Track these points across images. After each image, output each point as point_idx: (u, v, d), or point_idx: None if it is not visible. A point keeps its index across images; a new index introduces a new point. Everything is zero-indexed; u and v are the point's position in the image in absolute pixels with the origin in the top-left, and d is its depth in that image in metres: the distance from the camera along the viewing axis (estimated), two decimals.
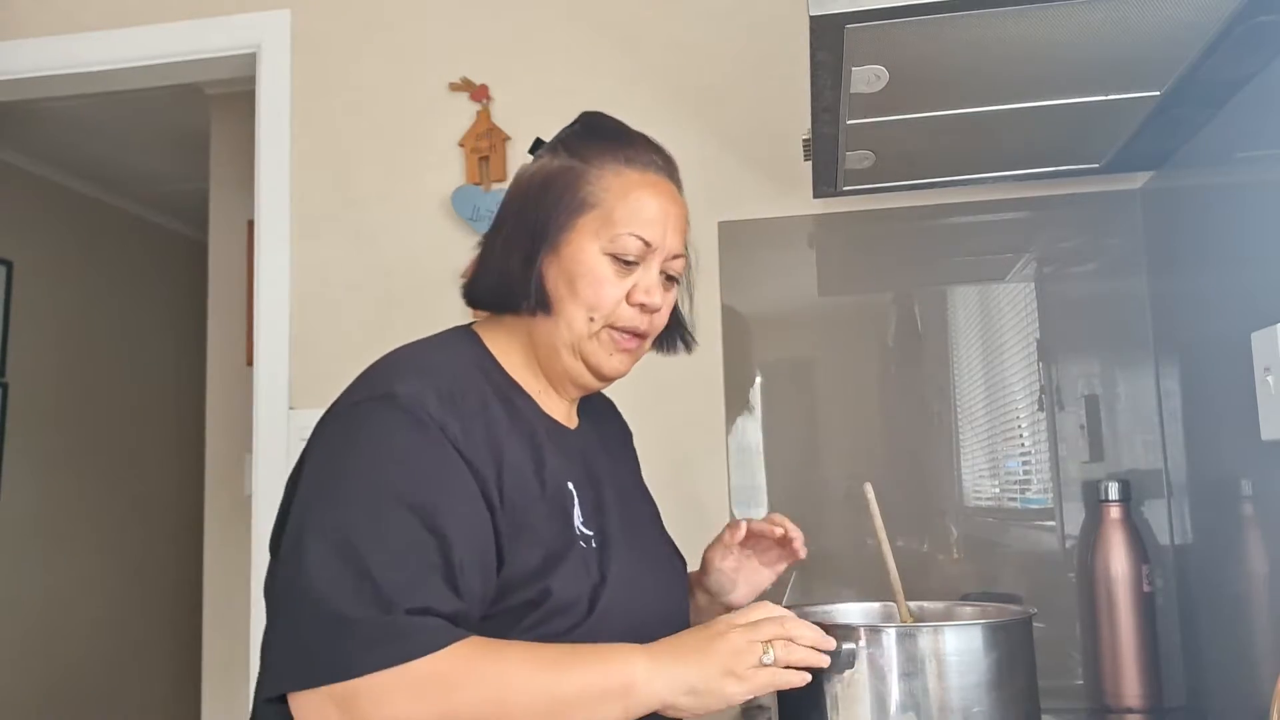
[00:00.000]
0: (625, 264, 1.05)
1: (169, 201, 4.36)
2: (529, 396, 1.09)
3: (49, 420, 3.84)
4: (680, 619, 1.16)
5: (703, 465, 1.78)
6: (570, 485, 1.04)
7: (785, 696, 1.07)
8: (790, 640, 0.97)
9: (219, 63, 2.15)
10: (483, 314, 1.15)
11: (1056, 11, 1.02)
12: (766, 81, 1.84)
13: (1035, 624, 1.16)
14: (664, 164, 1.12)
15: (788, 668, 0.97)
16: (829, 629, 1.03)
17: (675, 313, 1.18)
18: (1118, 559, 1.50)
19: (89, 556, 3.93)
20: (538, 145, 1.14)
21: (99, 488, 3.99)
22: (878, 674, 1.06)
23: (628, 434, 1.32)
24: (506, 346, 1.10)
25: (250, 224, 2.83)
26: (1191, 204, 1.47)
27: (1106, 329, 1.67)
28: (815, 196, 1.69)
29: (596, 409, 1.24)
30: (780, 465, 1.76)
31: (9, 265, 3.72)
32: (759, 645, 0.95)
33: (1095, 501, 1.55)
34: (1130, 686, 1.48)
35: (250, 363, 2.35)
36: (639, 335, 1.09)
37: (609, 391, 1.22)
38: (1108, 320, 1.67)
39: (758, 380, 1.79)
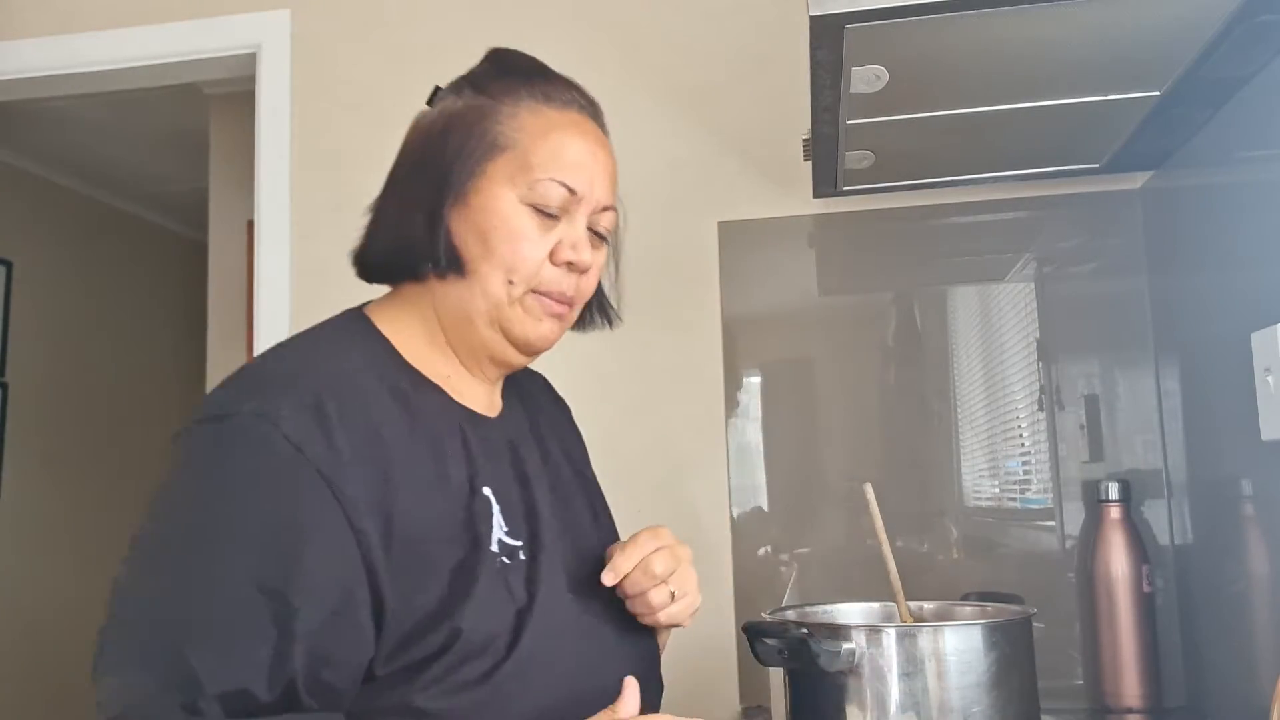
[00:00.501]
0: (547, 216, 0.90)
1: (169, 201, 4.36)
2: (436, 386, 0.92)
3: (49, 420, 3.84)
4: (640, 647, 0.97)
5: (702, 465, 1.78)
6: (488, 491, 0.88)
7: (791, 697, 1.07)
8: None
9: (219, 63, 2.15)
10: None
11: (1056, 11, 1.02)
12: (766, 81, 1.84)
13: (1035, 624, 1.16)
14: (587, 104, 0.97)
15: None
16: (829, 629, 1.02)
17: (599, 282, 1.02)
18: (1118, 559, 1.50)
19: (89, 556, 3.92)
20: (436, 94, 0.98)
21: (99, 488, 3.99)
22: (878, 674, 1.06)
23: (564, 411, 1.16)
24: (408, 326, 0.93)
25: (250, 224, 2.83)
26: (1191, 204, 1.46)
27: (1106, 329, 1.67)
28: (815, 196, 1.69)
29: (523, 387, 1.07)
30: (780, 465, 1.76)
31: (9, 265, 3.72)
32: None
33: (1095, 501, 1.55)
34: (1130, 686, 1.48)
35: None
36: (566, 302, 0.94)
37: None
38: (1108, 320, 1.67)
39: (758, 380, 1.79)
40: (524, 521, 0.91)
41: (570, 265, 0.91)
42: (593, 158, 0.93)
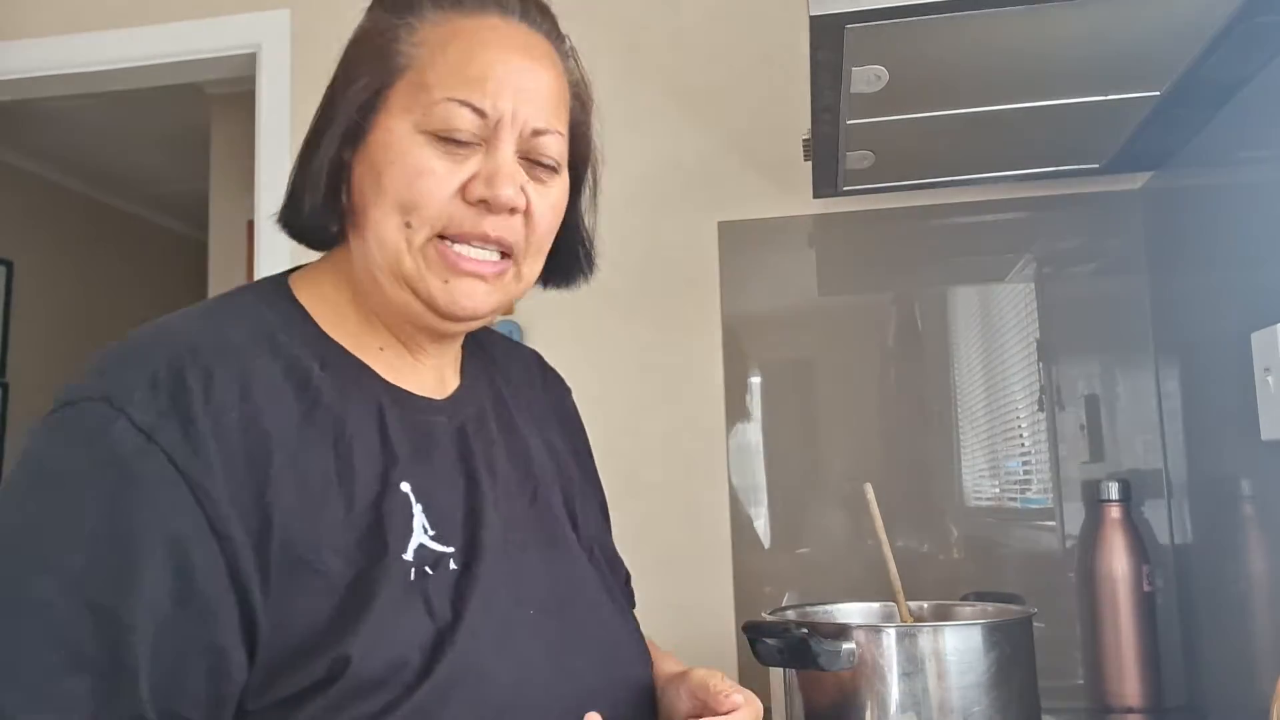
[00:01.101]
0: (455, 145, 0.73)
1: (169, 201, 4.36)
2: (359, 363, 0.77)
3: None
4: (630, 683, 0.80)
5: (702, 466, 1.78)
6: (406, 487, 0.73)
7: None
8: None
9: (219, 63, 2.15)
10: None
11: (1056, 11, 1.02)
12: (766, 81, 1.84)
13: (1035, 624, 1.16)
14: (521, 6, 0.79)
15: None
16: (829, 629, 1.02)
17: (572, 225, 0.86)
18: (1118, 559, 1.50)
19: None
20: None
21: None
22: (878, 674, 1.06)
23: (557, 393, 0.99)
24: (334, 293, 0.79)
25: (250, 224, 2.83)
26: (1191, 204, 1.47)
27: (1106, 329, 1.67)
28: (815, 196, 1.69)
29: (499, 363, 0.92)
30: (780, 465, 1.76)
31: (9, 265, 3.72)
32: None
33: (1095, 501, 1.55)
34: (1130, 686, 1.48)
35: None
36: (503, 253, 0.76)
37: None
38: (1108, 320, 1.67)
39: (758, 380, 1.79)
40: (461, 524, 0.75)
41: (486, 204, 0.74)
42: (511, 70, 0.75)
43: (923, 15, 1.02)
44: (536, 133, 0.76)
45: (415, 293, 0.75)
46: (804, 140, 1.46)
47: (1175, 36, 1.09)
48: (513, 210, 0.75)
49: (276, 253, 2.01)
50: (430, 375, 0.82)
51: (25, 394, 3.73)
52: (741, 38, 1.87)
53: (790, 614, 1.28)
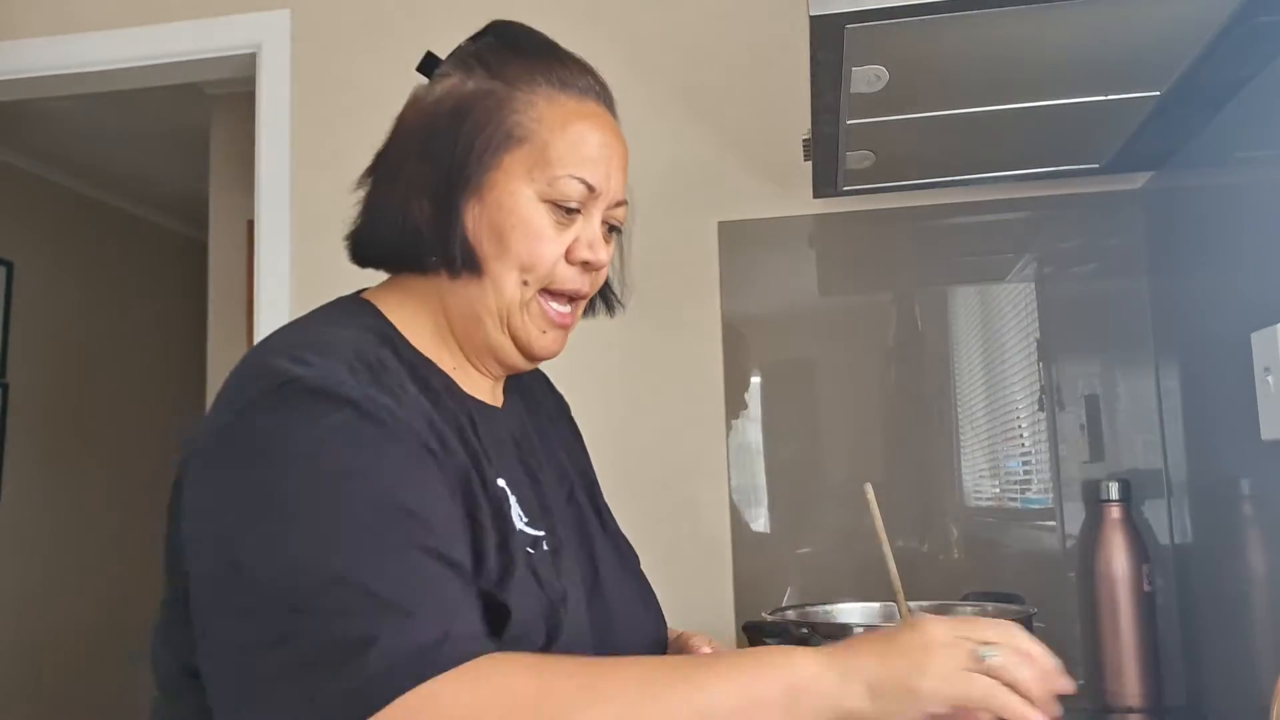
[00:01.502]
0: (565, 212, 0.87)
1: (169, 201, 4.36)
2: (445, 375, 0.88)
3: (49, 420, 3.84)
4: (647, 648, 0.94)
5: (703, 465, 1.78)
6: (501, 482, 0.83)
7: None
8: (1021, 655, 0.69)
9: (219, 63, 2.15)
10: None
11: (1056, 11, 1.02)
12: (766, 81, 1.84)
13: (1035, 624, 1.16)
14: (601, 90, 0.92)
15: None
16: (829, 629, 1.03)
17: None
18: (1118, 559, 1.50)
19: (89, 557, 3.93)
20: (433, 63, 0.92)
21: (99, 488, 3.99)
22: None
23: (565, 409, 1.13)
24: (413, 316, 0.89)
25: (250, 224, 2.83)
26: (1191, 204, 1.47)
27: (1106, 329, 1.67)
28: (815, 196, 1.69)
29: (523, 382, 1.03)
30: (780, 465, 1.76)
31: (9, 265, 3.72)
32: (972, 644, 0.68)
33: (1095, 501, 1.55)
34: (1130, 686, 1.48)
35: None
36: (577, 299, 0.91)
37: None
38: (1108, 320, 1.67)
39: (758, 380, 1.79)
40: (540, 513, 0.86)
41: (586, 265, 0.88)
42: (610, 150, 0.89)
43: (923, 15, 1.02)
44: (618, 204, 0.91)
45: (515, 339, 0.89)
46: (804, 140, 1.46)
47: (1175, 36, 1.09)
48: (598, 268, 0.90)
49: (277, 253, 2.01)
50: (488, 391, 0.93)
51: (25, 394, 3.73)
52: (741, 38, 1.87)
53: (790, 614, 1.28)
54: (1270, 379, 1.13)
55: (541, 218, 0.86)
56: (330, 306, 0.89)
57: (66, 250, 4.01)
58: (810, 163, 1.50)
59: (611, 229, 0.92)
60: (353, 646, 0.63)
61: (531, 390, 1.05)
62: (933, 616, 0.72)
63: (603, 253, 0.89)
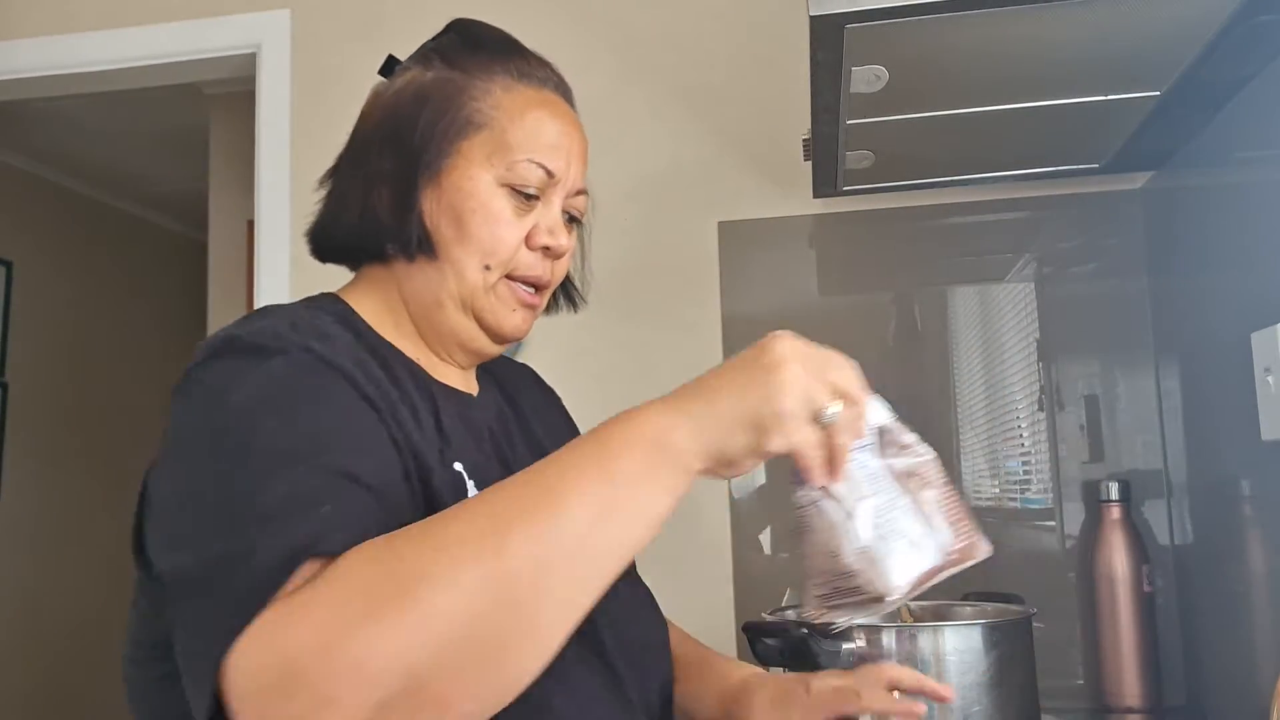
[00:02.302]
0: (525, 198, 0.87)
1: (169, 201, 4.36)
2: (410, 360, 0.87)
3: (49, 420, 3.84)
4: (635, 650, 0.88)
5: None
6: (459, 467, 0.81)
7: None
8: (857, 409, 0.74)
9: (219, 63, 2.15)
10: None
11: (1056, 11, 1.02)
12: (766, 81, 1.84)
13: (1035, 624, 1.16)
14: (560, 83, 0.93)
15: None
16: (832, 629, 1.02)
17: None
18: (1118, 559, 1.50)
19: (89, 556, 3.93)
20: (392, 65, 0.95)
21: (99, 488, 3.99)
22: None
23: (555, 401, 1.10)
24: (374, 309, 0.88)
25: (250, 224, 2.83)
26: (1191, 204, 1.47)
27: (1106, 329, 1.67)
28: (815, 196, 1.69)
29: (502, 375, 1.02)
30: (780, 465, 1.75)
31: (9, 265, 3.72)
32: (827, 392, 0.72)
33: (1095, 501, 1.55)
34: (1130, 686, 1.48)
35: None
36: (541, 287, 0.90)
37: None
38: (1108, 320, 1.67)
39: None
40: None
41: (547, 250, 0.88)
42: (569, 139, 0.89)
43: (923, 15, 1.02)
44: (578, 191, 0.91)
45: (481, 322, 0.88)
46: (804, 140, 1.45)
47: (1175, 36, 1.09)
48: (559, 255, 0.89)
49: (276, 253, 2.01)
50: (458, 379, 0.92)
51: (25, 394, 3.73)
52: (741, 38, 1.87)
53: (790, 614, 1.28)
54: (1270, 379, 1.13)
55: (500, 202, 0.86)
56: (299, 302, 0.87)
57: (66, 250, 4.01)
58: (810, 163, 1.50)
59: (572, 220, 0.92)
60: (231, 563, 0.63)
61: (515, 384, 1.03)
62: (790, 340, 0.75)
63: (563, 238, 0.89)
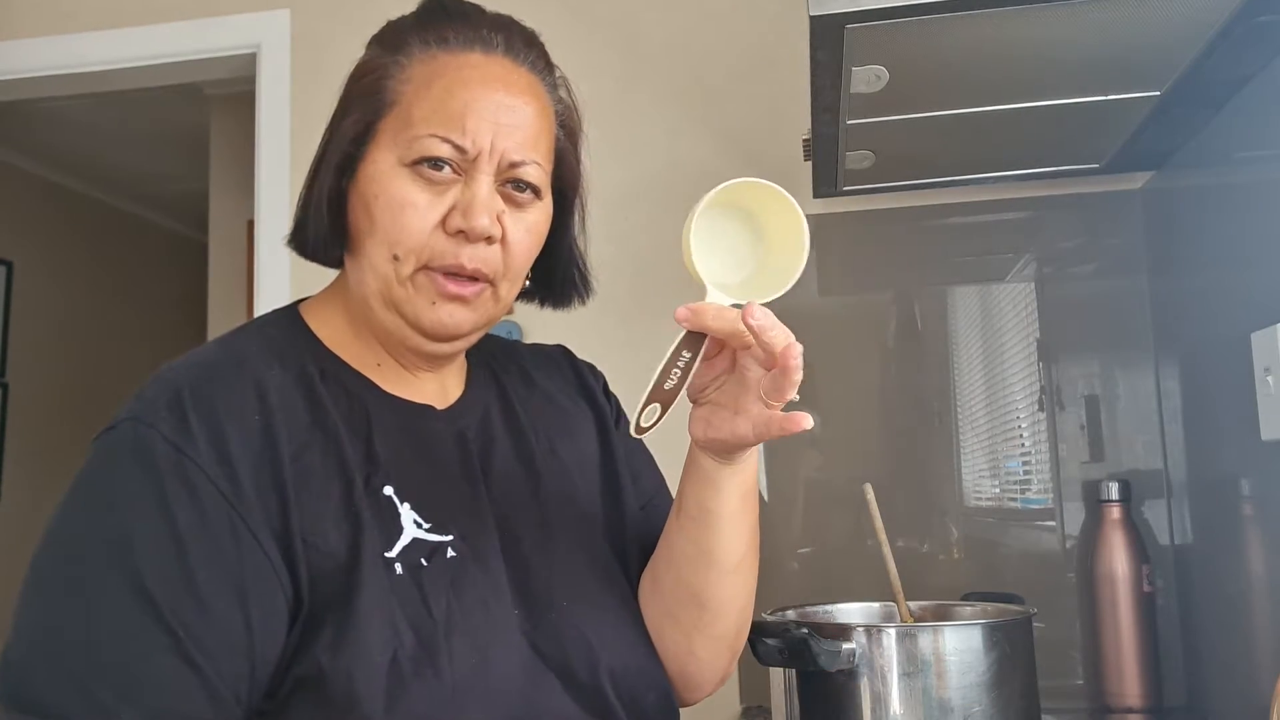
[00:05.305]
0: (435, 179, 0.77)
1: (169, 201, 4.36)
2: (359, 375, 0.82)
3: (49, 420, 3.84)
4: (597, 675, 0.81)
5: None
6: (389, 491, 0.76)
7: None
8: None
9: (219, 63, 2.15)
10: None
11: (1056, 11, 1.02)
12: (766, 81, 1.84)
13: (1035, 624, 1.16)
14: (499, 41, 0.81)
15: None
16: (829, 629, 1.02)
17: (563, 248, 0.89)
18: (1118, 559, 1.50)
19: None
20: None
21: None
22: (878, 674, 1.06)
23: (585, 386, 1.00)
24: (334, 315, 0.84)
25: (250, 224, 2.83)
26: (1191, 204, 1.46)
27: (1106, 329, 1.67)
28: (815, 196, 1.69)
29: (510, 365, 0.95)
30: (780, 465, 1.76)
31: (9, 265, 3.72)
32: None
33: (1095, 501, 1.55)
34: (1130, 686, 1.48)
35: None
36: (477, 279, 0.79)
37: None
38: (1108, 320, 1.67)
39: None
40: (455, 517, 0.79)
41: (464, 235, 0.77)
42: (490, 105, 0.78)
43: (923, 15, 1.02)
44: (514, 165, 0.79)
45: (403, 316, 0.80)
46: (804, 140, 1.45)
47: (1175, 36, 1.09)
48: (489, 239, 0.78)
49: (276, 253, 2.01)
50: (430, 386, 0.86)
51: (25, 394, 3.73)
52: (741, 38, 1.87)
53: (790, 614, 1.28)
54: (1270, 379, 1.13)
55: (404, 185, 0.77)
56: (251, 321, 0.86)
57: (66, 250, 4.01)
58: (810, 163, 1.50)
59: (531, 193, 0.81)
60: None
61: (522, 379, 0.94)
62: None
63: (482, 218, 0.77)
